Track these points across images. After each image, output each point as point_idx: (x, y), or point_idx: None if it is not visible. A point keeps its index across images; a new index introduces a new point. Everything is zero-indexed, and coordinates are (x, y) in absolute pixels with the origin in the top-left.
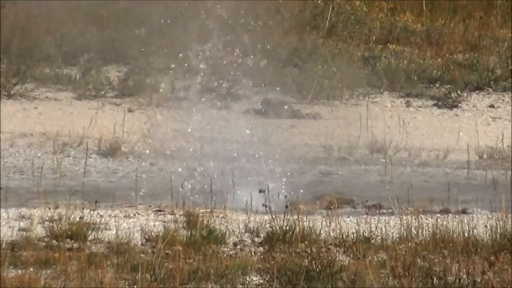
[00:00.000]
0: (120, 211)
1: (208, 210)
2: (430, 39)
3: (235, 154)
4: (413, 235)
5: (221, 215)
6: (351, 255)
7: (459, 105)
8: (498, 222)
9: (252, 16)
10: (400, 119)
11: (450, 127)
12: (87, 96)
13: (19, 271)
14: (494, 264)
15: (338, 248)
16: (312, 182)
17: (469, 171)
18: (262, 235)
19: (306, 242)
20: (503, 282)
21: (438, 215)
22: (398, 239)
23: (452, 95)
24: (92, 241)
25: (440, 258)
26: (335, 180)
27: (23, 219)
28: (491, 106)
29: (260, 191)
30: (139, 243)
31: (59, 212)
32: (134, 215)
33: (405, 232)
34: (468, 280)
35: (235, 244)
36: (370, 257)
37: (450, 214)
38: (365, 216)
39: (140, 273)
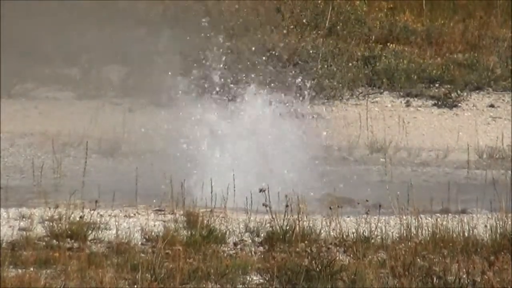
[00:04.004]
0: (120, 211)
1: (208, 210)
2: (430, 39)
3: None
4: (413, 234)
5: (221, 215)
6: (351, 255)
7: (459, 105)
8: (498, 222)
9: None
10: (400, 119)
11: (450, 127)
12: (87, 96)
13: (19, 271)
14: (494, 264)
15: (338, 248)
16: (311, 181)
17: (469, 171)
18: (262, 234)
19: (306, 242)
20: (503, 282)
21: (438, 215)
22: (398, 239)
23: (452, 95)
24: (92, 241)
25: (440, 258)
26: (335, 180)
27: (23, 219)
28: (491, 105)
29: (260, 191)
30: (139, 242)
31: (59, 212)
32: (134, 214)
33: (405, 231)
34: (468, 280)
35: (235, 244)
36: (370, 257)
37: (450, 214)
38: (365, 216)
39: (140, 273)
